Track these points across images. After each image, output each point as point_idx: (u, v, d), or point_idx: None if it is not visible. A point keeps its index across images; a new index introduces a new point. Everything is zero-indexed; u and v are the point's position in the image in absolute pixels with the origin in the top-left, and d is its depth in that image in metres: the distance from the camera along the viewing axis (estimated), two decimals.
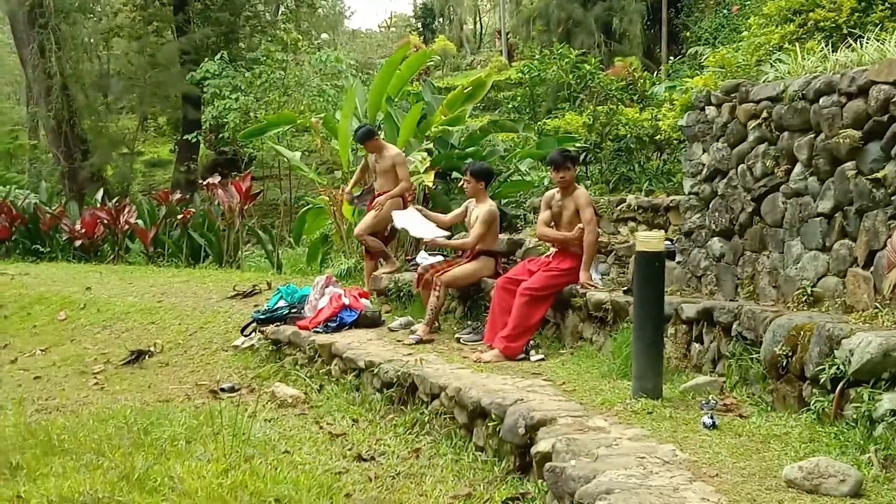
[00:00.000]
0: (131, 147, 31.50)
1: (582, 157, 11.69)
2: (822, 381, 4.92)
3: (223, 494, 5.27)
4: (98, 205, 19.27)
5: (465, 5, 51.26)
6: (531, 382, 6.52)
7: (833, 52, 6.66)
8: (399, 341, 8.42)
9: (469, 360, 7.59)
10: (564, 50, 16.52)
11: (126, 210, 18.05)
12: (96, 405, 8.02)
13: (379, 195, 10.32)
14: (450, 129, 12.62)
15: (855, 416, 4.65)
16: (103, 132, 28.97)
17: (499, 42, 41.33)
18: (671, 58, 19.79)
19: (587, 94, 15.06)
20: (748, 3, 14.60)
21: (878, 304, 5.35)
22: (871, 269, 5.58)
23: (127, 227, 17.76)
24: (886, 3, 7.97)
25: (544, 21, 30.06)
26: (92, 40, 32.10)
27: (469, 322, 8.78)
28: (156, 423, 6.92)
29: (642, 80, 16.04)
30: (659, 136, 11.33)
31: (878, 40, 6.36)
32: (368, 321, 9.13)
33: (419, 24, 49.26)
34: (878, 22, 7.51)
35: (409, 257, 10.64)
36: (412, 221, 9.42)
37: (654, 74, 17.93)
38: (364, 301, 9.41)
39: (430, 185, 11.31)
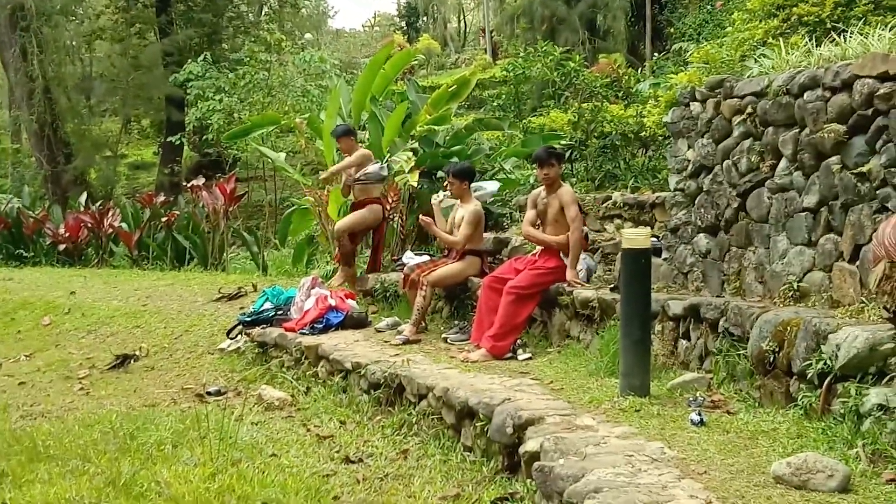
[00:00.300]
0: (115, 150, 31.35)
1: (567, 154, 11.69)
2: (809, 376, 4.92)
3: (210, 499, 5.24)
4: (82, 208, 19.16)
5: (448, 4, 51.25)
6: (519, 381, 6.50)
7: (817, 46, 6.67)
8: (386, 342, 8.39)
9: (456, 359, 7.56)
10: (548, 47, 16.55)
11: (110, 213, 17.97)
12: (82, 410, 7.96)
13: (357, 203, 10.27)
14: (435, 128, 12.59)
15: (842, 411, 4.64)
16: (86, 135, 28.85)
17: (483, 40, 41.35)
18: (655, 54, 19.83)
19: (572, 91, 15.10)
20: None
21: (864, 299, 5.35)
22: (857, 263, 5.59)
23: (111, 230, 17.68)
24: None
25: (528, 19, 30.10)
26: (74, 43, 31.99)
27: (456, 322, 8.75)
28: (142, 428, 6.86)
29: (627, 77, 16.06)
30: (644, 133, 11.36)
31: (861, 34, 6.38)
32: (355, 322, 9.10)
33: (403, 23, 49.22)
34: (861, 16, 7.52)
35: (395, 257, 10.60)
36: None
37: (639, 71, 17.94)
38: (350, 302, 9.37)
39: (415, 184, 11.27)
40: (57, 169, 26.56)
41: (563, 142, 11.86)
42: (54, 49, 28.20)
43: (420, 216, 9.38)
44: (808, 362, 4.94)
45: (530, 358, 7.52)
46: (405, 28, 47.78)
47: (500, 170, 12.68)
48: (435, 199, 9.36)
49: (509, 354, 7.59)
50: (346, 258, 10.31)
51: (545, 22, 28.77)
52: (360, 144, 10.99)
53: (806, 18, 8.04)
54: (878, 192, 5.50)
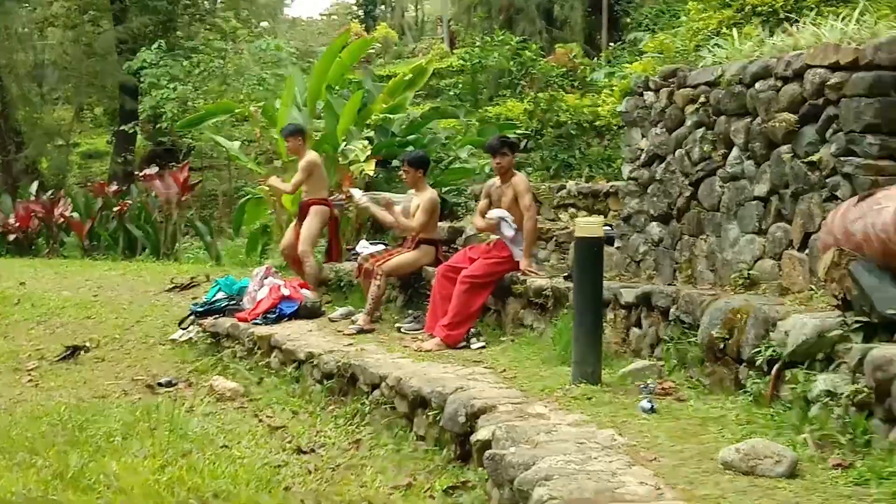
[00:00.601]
0: (67, 138, 30.87)
1: (523, 143, 11.70)
2: (758, 363, 4.95)
3: (160, 491, 5.20)
4: (32, 198, 18.88)
5: None
6: (472, 370, 6.50)
7: (770, 36, 6.69)
8: (340, 332, 8.36)
9: (410, 349, 7.55)
10: (505, 37, 16.55)
11: (61, 203, 17.74)
12: (30, 402, 7.83)
13: (307, 203, 10.03)
14: (391, 116, 12.53)
15: (790, 398, 4.68)
16: (38, 123, 28.39)
17: (441, 29, 41.25)
18: (612, 44, 19.89)
19: (528, 80, 15.10)
20: None
21: (813, 286, 5.40)
22: (807, 251, 5.64)
23: (62, 220, 17.45)
24: None
25: (486, 8, 30.06)
26: (26, 29, 31.44)
27: (410, 311, 8.72)
28: (91, 420, 6.81)
29: (583, 67, 16.11)
30: (599, 122, 11.39)
31: (813, 24, 6.40)
32: (308, 312, 9.05)
33: (361, 12, 48.97)
34: (813, 6, 7.57)
35: (349, 247, 10.55)
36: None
37: (595, 61, 17.99)
38: (304, 292, 9.32)
39: (371, 173, 11.22)
40: (8, 158, 26.11)
41: (518, 131, 11.88)
42: (6, 36, 27.69)
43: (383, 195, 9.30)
44: (758, 349, 4.98)
45: (484, 347, 7.52)
46: (363, 17, 47.55)
47: (455, 158, 12.66)
48: (357, 193, 9.30)
49: (463, 343, 7.59)
50: (316, 280, 9.90)
51: (503, 12, 28.73)
52: (313, 138, 10.82)
53: (760, 8, 8.11)
54: (827, 180, 5.54)
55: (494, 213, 7.98)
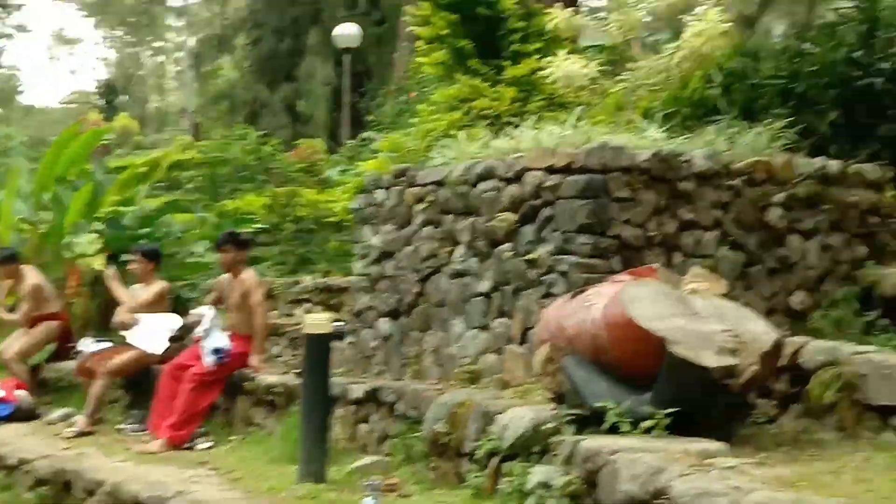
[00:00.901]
0: None
1: (260, 238, 11.59)
2: (478, 456, 5.03)
3: None
4: None
5: (149, 83, 50.20)
6: (196, 472, 6.28)
7: (495, 138, 6.99)
8: (58, 435, 7.87)
9: (133, 451, 7.20)
10: (245, 130, 16.50)
11: None
12: None
13: (38, 317, 9.45)
14: (121, 209, 12.09)
15: (509, 490, 4.74)
16: None
17: (185, 121, 40.66)
18: (350, 141, 20.21)
19: (268, 175, 15.07)
20: (425, 90, 15.16)
21: (531, 380, 5.57)
22: (527, 345, 5.83)
23: None
24: (542, 95, 8.53)
25: (230, 101, 29.93)
26: None
27: (134, 411, 8.34)
28: None
29: (322, 163, 16.28)
30: (335, 218, 11.49)
31: (535, 128, 6.73)
32: (25, 414, 8.49)
33: (102, 101, 47.55)
34: (535, 111, 7.97)
35: (72, 344, 9.97)
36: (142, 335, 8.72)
37: (335, 157, 18.20)
38: (20, 393, 8.71)
39: (101, 267, 10.73)
40: None
41: (256, 225, 11.77)
42: None
43: (105, 269, 8.88)
44: (479, 443, 5.06)
45: (211, 446, 7.30)
46: (104, 106, 46.16)
47: (190, 253, 12.36)
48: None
49: (189, 444, 7.31)
50: (31, 384, 9.21)
51: (247, 105, 28.72)
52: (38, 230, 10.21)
53: (485, 112, 8.45)
54: (544, 278, 5.80)
55: (196, 311, 7.96)
